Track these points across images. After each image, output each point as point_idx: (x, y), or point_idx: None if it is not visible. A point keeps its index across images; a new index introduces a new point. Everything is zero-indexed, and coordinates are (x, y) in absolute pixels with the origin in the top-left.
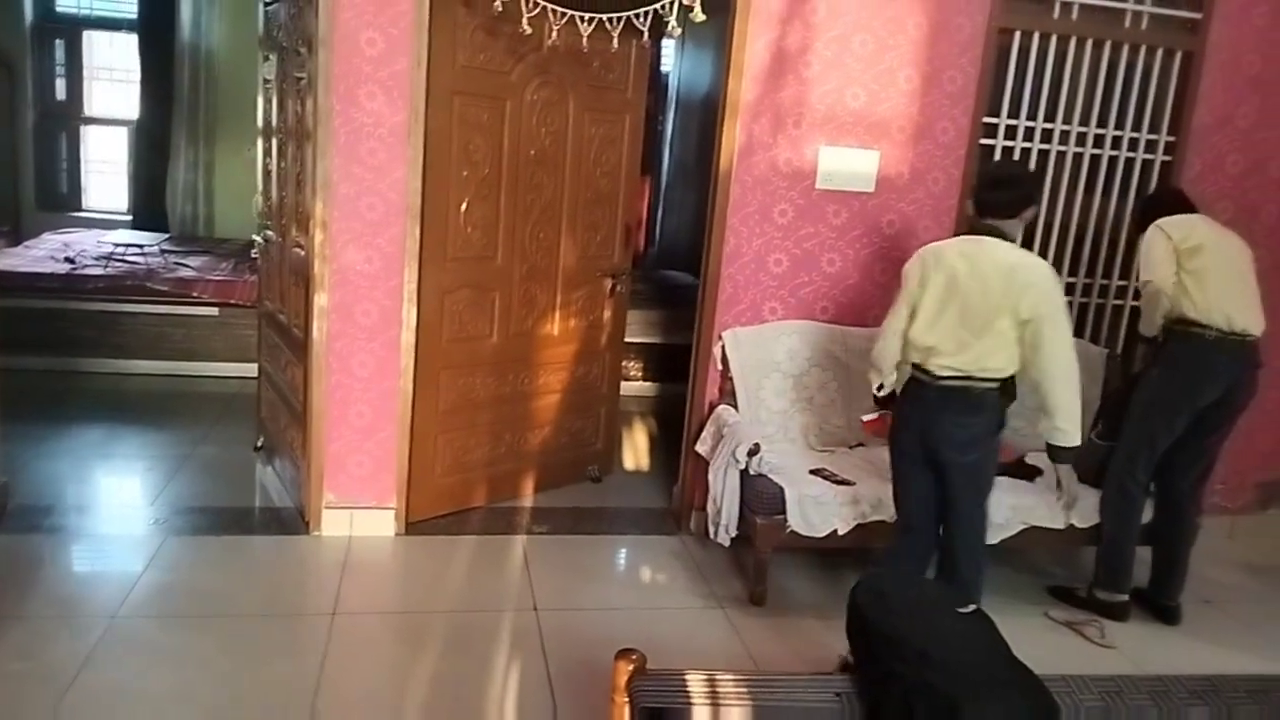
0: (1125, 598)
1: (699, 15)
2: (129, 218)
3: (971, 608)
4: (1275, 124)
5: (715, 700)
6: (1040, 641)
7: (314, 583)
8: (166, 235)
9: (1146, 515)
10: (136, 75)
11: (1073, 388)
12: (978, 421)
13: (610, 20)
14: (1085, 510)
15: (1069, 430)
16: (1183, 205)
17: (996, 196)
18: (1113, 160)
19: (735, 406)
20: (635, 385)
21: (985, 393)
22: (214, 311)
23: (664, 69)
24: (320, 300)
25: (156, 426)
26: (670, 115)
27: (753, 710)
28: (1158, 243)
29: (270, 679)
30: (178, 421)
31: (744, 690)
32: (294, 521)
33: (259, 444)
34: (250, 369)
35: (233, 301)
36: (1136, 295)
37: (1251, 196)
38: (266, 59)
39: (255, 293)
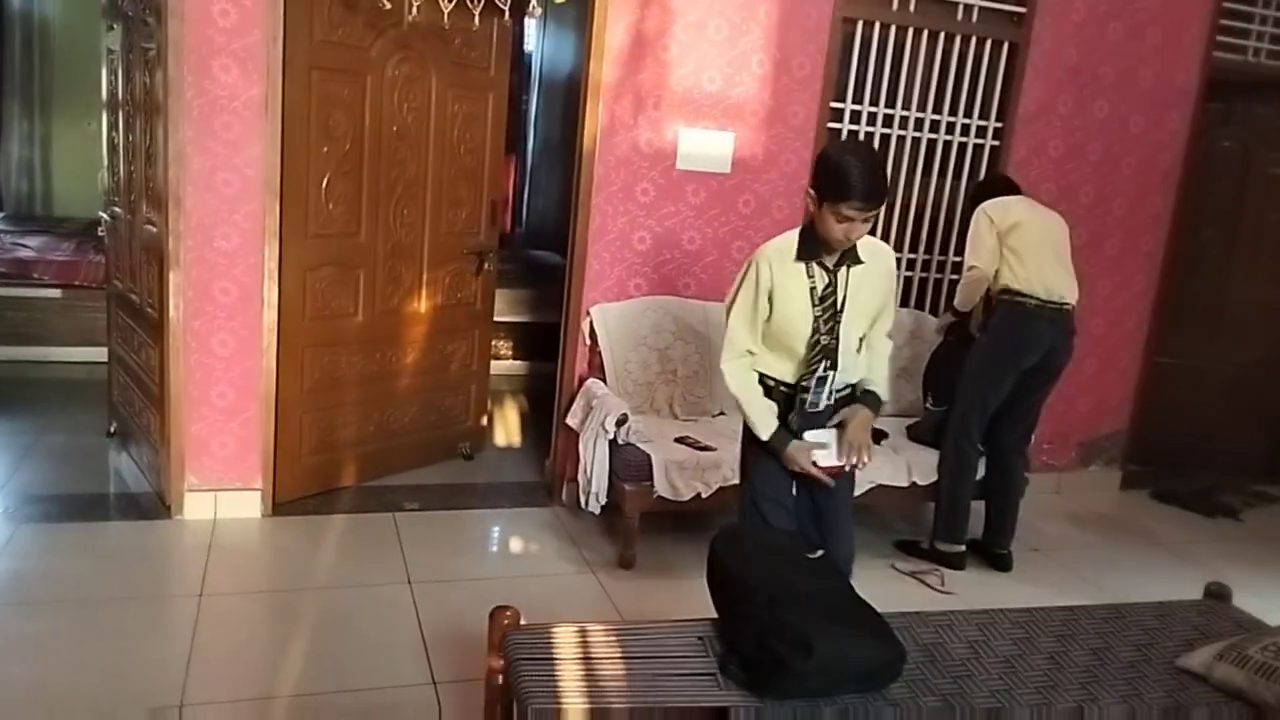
0: (962, 548)
1: None
2: None
3: (819, 553)
4: (1090, 111)
5: (586, 649)
6: (888, 590)
7: (179, 565)
8: (0, 214)
9: (980, 472)
10: None
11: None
12: None
13: None
14: (925, 469)
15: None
16: (1009, 188)
17: None
18: (947, 145)
19: (604, 380)
20: (505, 364)
21: None
22: (56, 293)
23: (527, 49)
24: (175, 279)
25: None
26: (534, 95)
27: (622, 656)
28: (981, 227)
29: (139, 661)
30: (21, 409)
31: (613, 639)
32: (153, 506)
33: (111, 429)
34: (98, 353)
35: (76, 283)
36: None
37: (1070, 179)
38: (111, 29)
39: (101, 273)
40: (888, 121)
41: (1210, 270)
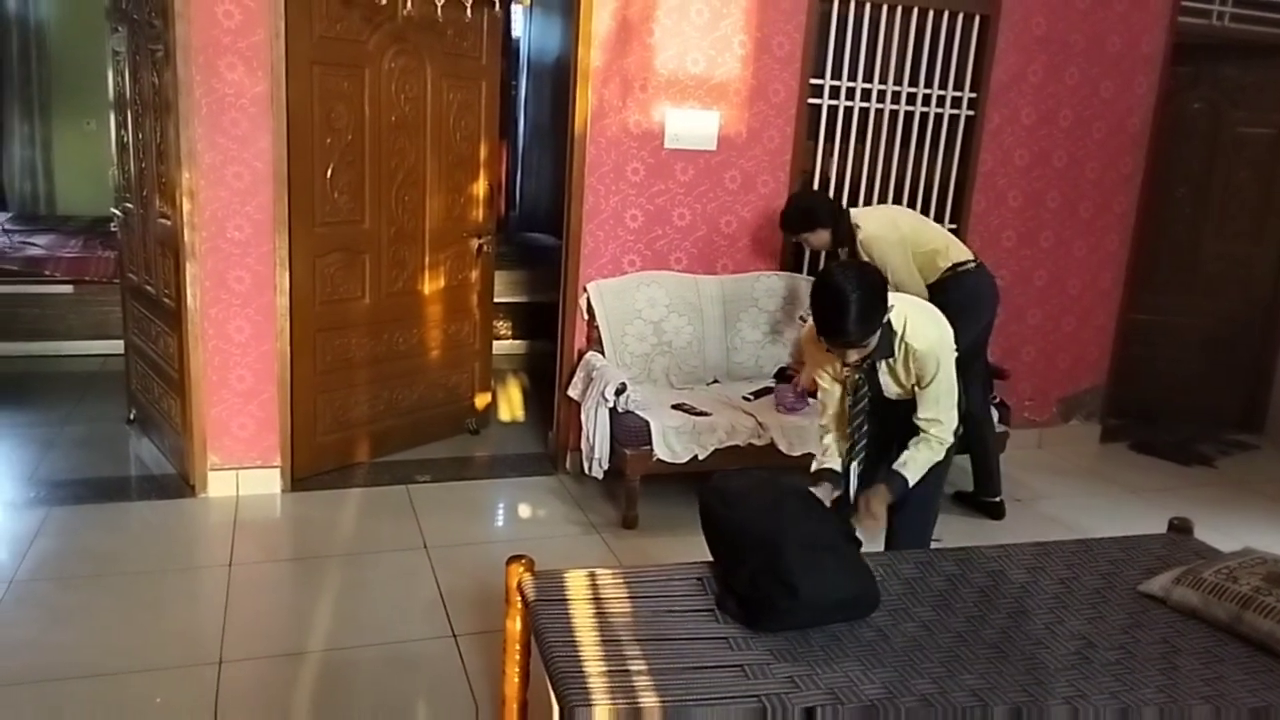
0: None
1: None
2: None
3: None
4: (1060, 79)
5: (596, 591)
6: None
7: (207, 539)
8: (7, 214)
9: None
10: None
11: None
12: None
13: None
14: None
15: None
16: (833, 204)
17: None
18: (924, 116)
19: (602, 352)
20: (505, 343)
21: None
22: (68, 289)
23: (514, 35)
24: (191, 269)
25: (18, 407)
26: (523, 80)
27: (629, 597)
28: (889, 249)
29: (178, 624)
30: (40, 401)
31: (620, 581)
32: (178, 486)
33: (130, 416)
34: (111, 345)
35: (87, 278)
36: None
37: (1043, 145)
38: (115, 31)
39: (110, 269)
40: (865, 96)
41: (1183, 228)
